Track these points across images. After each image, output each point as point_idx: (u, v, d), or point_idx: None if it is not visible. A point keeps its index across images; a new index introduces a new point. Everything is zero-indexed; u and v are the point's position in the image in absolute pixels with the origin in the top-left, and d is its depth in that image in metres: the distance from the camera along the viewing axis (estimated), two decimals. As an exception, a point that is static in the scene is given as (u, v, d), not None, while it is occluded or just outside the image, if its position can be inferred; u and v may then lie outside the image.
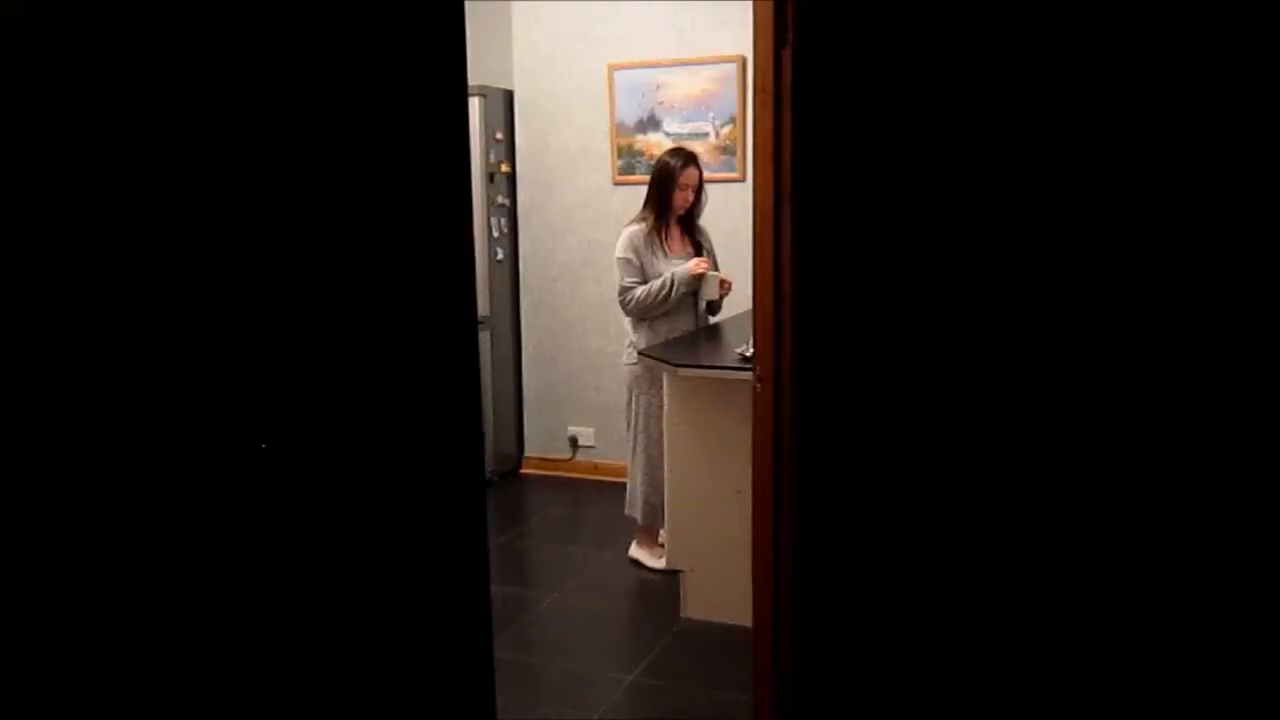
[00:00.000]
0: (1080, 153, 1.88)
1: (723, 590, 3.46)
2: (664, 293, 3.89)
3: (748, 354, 3.12)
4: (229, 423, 1.55)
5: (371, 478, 1.89)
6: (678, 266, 3.93)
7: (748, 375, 2.97)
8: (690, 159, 3.96)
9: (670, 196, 3.93)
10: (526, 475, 5.46)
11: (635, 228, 3.99)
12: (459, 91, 2.11)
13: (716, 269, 4.08)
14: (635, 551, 4.15)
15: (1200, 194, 1.79)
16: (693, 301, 4.01)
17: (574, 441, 5.37)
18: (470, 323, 2.19)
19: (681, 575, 3.56)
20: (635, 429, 4.00)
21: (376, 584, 1.93)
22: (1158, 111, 1.80)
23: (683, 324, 3.99)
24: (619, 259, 3.97)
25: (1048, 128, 1.93)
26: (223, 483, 1.54)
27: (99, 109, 1.37)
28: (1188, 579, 1.86)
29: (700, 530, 3.47)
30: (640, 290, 3.94)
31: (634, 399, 3.99)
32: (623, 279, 3.97)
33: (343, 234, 1.80)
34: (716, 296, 4.03)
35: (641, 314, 3.98)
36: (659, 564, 3.97)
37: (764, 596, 2.51)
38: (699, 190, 3.99)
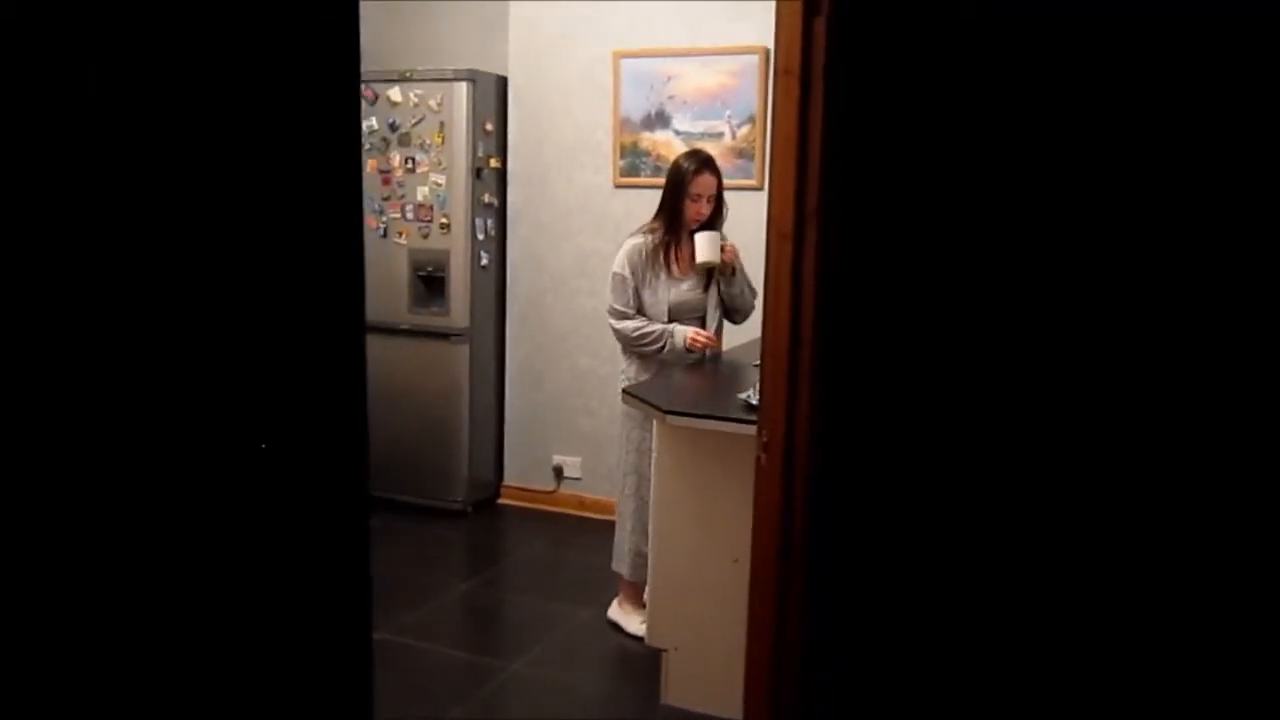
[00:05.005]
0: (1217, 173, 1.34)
1: (711, 676, 2.91)
2: (656, 346, 3.37)
3: (754, 401, 2.56)
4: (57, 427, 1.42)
5: (212, 495, 1.65)
6: (680, 291, 3.38)
7: (751, 429, 2.42)
8: (706, 163, 3.36)
9: (681, 206, 3.36)
10: (504, 506, 4.90)
11: (639, 240, 3.42)
12: (343, 60, 1.57)
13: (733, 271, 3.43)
14: (615, 613, 3.59)
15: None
16: (698, 325, 3.43)
17: (558, 472, 4.81)
18: (354, 333, 1.74)
19: (664, 655, 3.00)
20: (625, 466, 3.45)
21: (216, 624, 1.68)
22: None
23: (683, 353, 3.42)
24: (613, 274, 3.42)
25: (1170, 127, 1.38)
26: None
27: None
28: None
29: (688, 603, 2.92)
30: (630, 325, 3.38)
31: (627, 432, 3.43)
32: (612, 300, 3.42)
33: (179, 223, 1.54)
34: (715, 259, 3.29)
35: (627, 347, 3.44)
36: (641, 630, 3.42)
37: (758, 697, 1.99)
38: (718, 200, 3.39)
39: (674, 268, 3.41)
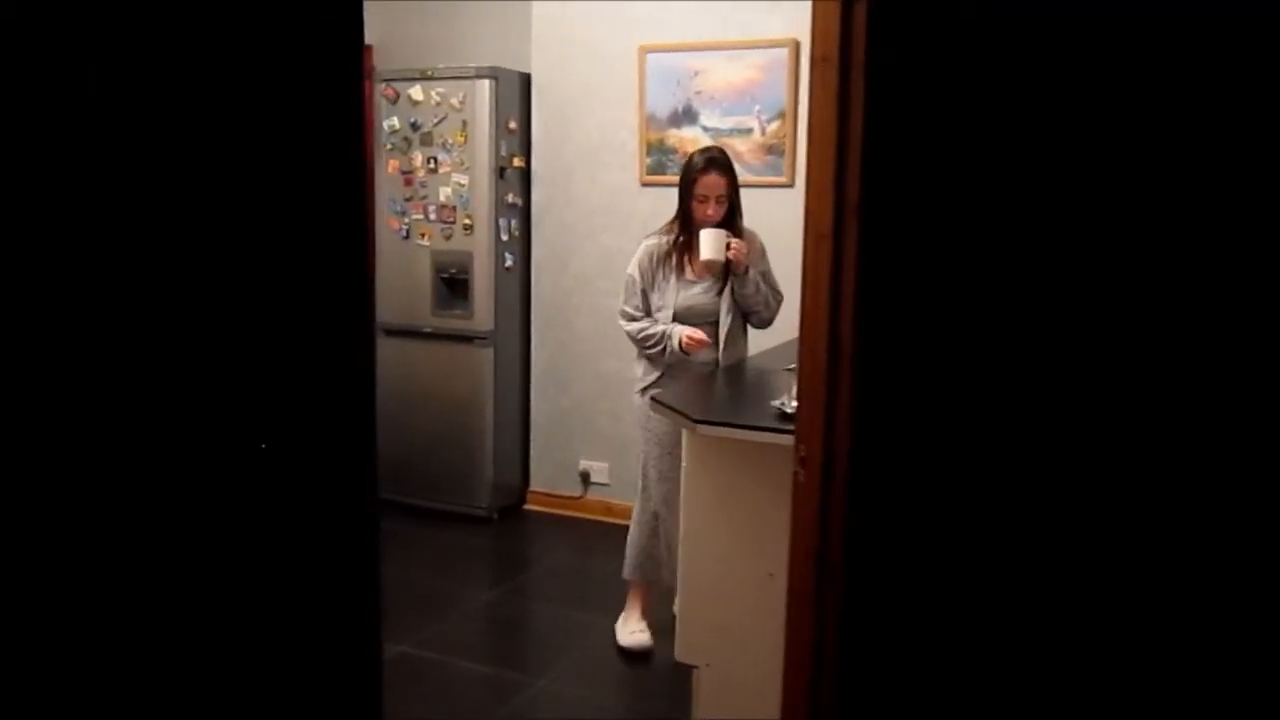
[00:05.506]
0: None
1: (745, 695, 2.79)
2: (658, 348, 3.25)
3: (788, 409, 2.44)
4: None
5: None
6: (691, 295, 3.24)
7: (787, 439, 2.30)
8: (713, 163, 3.19)
9: (689, 207, 3.22)
10: (530, 512, 4.81)
11: (653, 241, 3.31)
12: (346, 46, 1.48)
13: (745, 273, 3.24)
14: (619, 623, 3.49)
15: None
16: (713, 330, 3.28)
17: (585, 477, 4.71)
18: (362, 332, 1.74)
19: (695, 672, 2.88)
20: (639, 470, 3.40)
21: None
22: None
23: (701, 352, 3.28)
24: (627, 275, 3.33)
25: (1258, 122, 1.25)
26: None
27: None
28: None
29: (720, 619, 2.80)
30: (635, 327, 3.28)
31: (637, 432, 3.39)
32: (623, 300, 3.33)
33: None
34: (719, 257, 3.13)
35: (637, 350, 3.35)
36: (630, 642, 3.36)
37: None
38: (731, 200, 3.22)
39: (688, 270, 3.27)
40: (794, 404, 2.44)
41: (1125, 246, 1.35)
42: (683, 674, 3.01)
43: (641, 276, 3.27)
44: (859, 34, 1.56)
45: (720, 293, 3.28)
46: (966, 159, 1.46)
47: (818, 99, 1.65)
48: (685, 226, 3.24)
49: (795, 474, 1.76)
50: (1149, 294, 1.35)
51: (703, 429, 2.51)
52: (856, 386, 1.63)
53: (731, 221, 3.24)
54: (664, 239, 3.28)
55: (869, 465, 1.63)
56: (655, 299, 3.28)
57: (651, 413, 3.31)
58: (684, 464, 2.75)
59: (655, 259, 3.27)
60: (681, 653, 2.90)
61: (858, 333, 1.61)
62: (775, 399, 2.54)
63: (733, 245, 3.14)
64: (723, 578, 2.77)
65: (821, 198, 1.64)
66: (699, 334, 3.21)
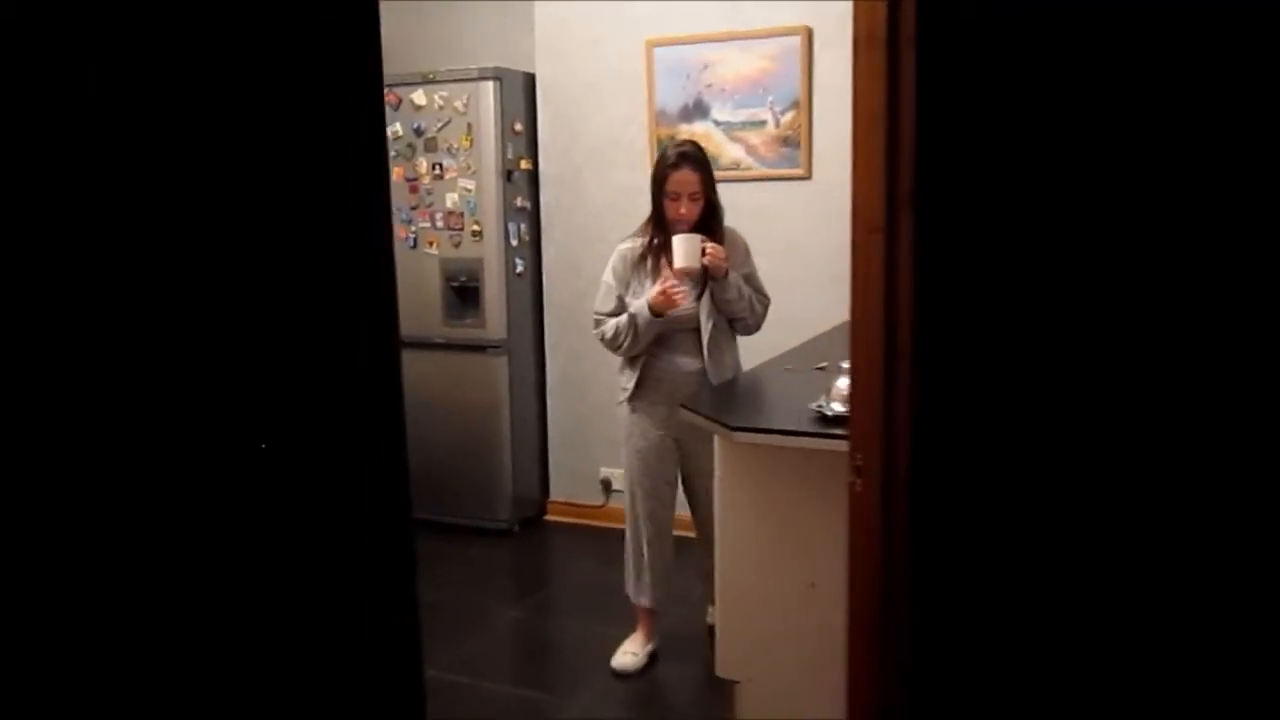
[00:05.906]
0: None
1: (788, 709, 2.67)
2: (627, 337, 3.02)
3: (829, 412, 2.32)
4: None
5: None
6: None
7: (831, 444, 2.19)
8: (685, 157, 2.98)
9: (660, 205, 3.03)
10: (551, 523, 4.69)
11: (626, 245, 3.13)
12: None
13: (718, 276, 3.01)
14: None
15: None
16: (695, 338, 3.08)
17: (606, 485, 4.59)
18: (387, 340, 1.64)
19: (736, 687, 2.77)
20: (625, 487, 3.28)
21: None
22: None
23: (684, 361, 3.09)
24: (602, 281, 3.14)
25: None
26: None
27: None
28: None
29: (761, 632, 2.68)
30: (608, 327, 3.07)
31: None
32: (596, 304, 3.14)
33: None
34: (694, 264, 2.92)
35: (617, 353, 3.14)
36: (616, 661, 3.24)
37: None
38: (707, 198, 3.01)
39: (665, 274, 3.02)
40: (834, 406, 2.34)
41: (1220, 237, 1.23)
42: (720, 690, 2.89)
43: (617, 282, 3.09)
44: (908, 12, 1.44)
45: (700, 298, 3.07)
46: (1034, 138, 1.35)
47: (863, 82, 1.53)
48: (660, 227, 3.05)
49: (851, 484, 1.64)
50: (1245, 292, 1.23)
51: (739, 436, 2.39)
52: (917, 389, 1.52)
53: (710, 222, 3.03)
54: (639, 241, 3.10)
55: (933, 474, 1.52)
56: (632, 305, 3.07)
57: (633, 428, 3.17)
58: (717, 474, 2.64)
59: (629, 263, 3.08)
60: (722, 668, 2.78)
61: (916, 331, 1.50)
62: (813, 400, 2.42)
63: (708, 250, 2.93)
64: (762, 589, 2.65)
65: (871, 188, 1.53)
66: (669, 285, 2.94)
